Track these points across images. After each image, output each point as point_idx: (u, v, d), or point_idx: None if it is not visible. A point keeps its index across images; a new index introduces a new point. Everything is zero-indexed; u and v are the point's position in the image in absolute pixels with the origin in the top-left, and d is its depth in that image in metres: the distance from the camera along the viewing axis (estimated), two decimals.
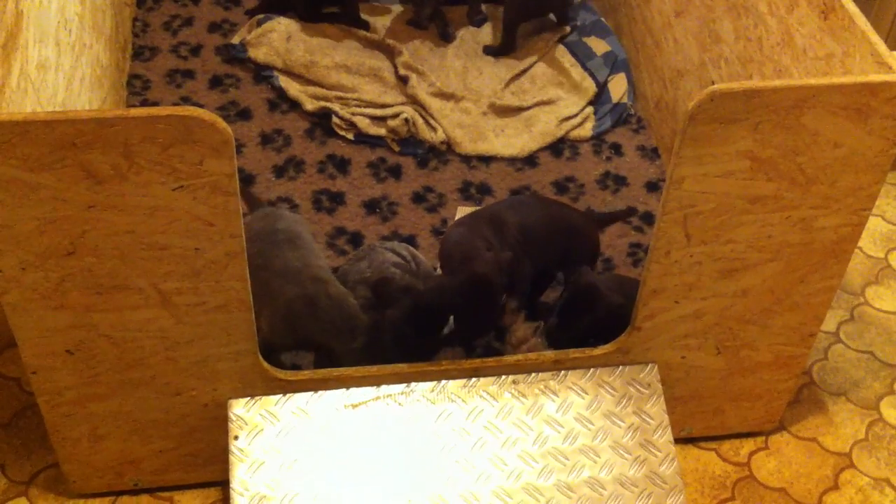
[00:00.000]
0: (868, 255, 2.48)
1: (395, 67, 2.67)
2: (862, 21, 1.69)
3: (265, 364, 1.77)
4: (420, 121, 2.55)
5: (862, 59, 1.67)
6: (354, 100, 2.60)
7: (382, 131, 2.55)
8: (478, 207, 2.36)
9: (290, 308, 1.88)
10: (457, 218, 2.35)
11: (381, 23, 2.82)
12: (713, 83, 2.25)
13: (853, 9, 1.72)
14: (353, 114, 2.56)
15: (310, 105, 2.60)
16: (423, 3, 2.78)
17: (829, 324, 2.32)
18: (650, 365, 1.88)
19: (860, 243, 2.47)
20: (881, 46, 1.64)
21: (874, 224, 2.54)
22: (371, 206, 2.41)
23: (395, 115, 2.55)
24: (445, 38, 2.79)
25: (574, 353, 1.86)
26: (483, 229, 1.95)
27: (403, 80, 2.63)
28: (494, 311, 1.86)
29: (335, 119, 2.57)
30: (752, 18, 2.06)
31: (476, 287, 1.81)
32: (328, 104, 2.59)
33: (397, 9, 2.87)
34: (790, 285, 1.82)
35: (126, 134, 1.41)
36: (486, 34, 2.81)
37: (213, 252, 1.58)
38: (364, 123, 2.55)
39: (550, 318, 1.92)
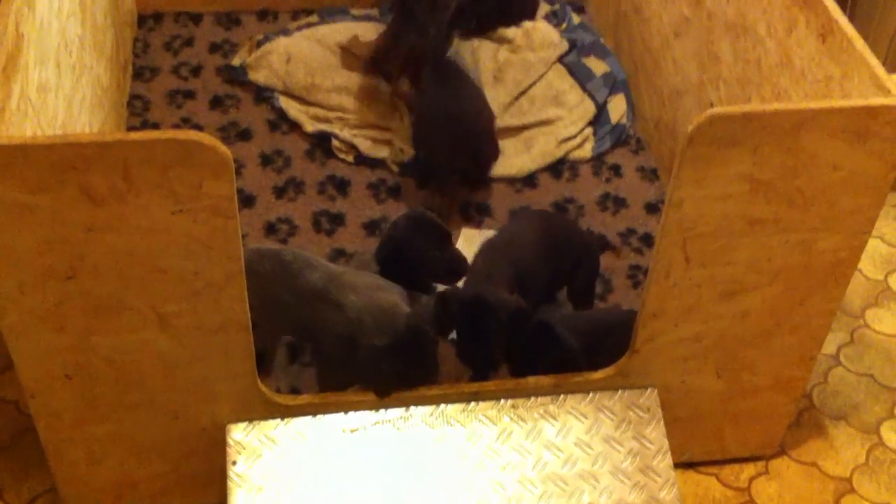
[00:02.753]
0: (868, 278, 2.48)
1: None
2: (860, 44, 1.69)
3: (263, 387, 1.77)
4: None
5: (861, 82, 1.68)
6: (355, 122, 2.61)
7: (384, 153, 2.55)
8: (481, 230, 2.37)
9: (323, 317, 1.89)
10: (461, 239, 2.35)
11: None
12: (712, 104, 2.25)
13: (851, 32, 1.72)
14: (353, 135, 2.57)
15: (310, 126, 2.60)
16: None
17: (829, 346, 2.31)
18: (650, 388, 1.88)
19: (860, 265, 2.47)
20: (880, 69, 1.64)
21: (874, 246, 2.54)
22: (371, 228, 2.41)
23: (389, 144, 2.56)
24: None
25: (573, 376, 1.86)
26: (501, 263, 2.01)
27: (393, 108, 2.64)
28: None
29: (335, 142, 2.57)
30: (751, 40, 2.06)
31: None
32: (328, 126, 2.59)
33: None
34: (790, 308, 1.81)
35: (126, 157, 1.42)
36: (488, 56, 2.81)
37: (212, 274, 1.58)
38: (365, 146, 2.55)
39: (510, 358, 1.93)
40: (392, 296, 1.91)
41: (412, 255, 2.00)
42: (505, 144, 2.61)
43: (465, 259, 2.03)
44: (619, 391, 1.88)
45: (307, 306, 1.90)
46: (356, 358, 1.83)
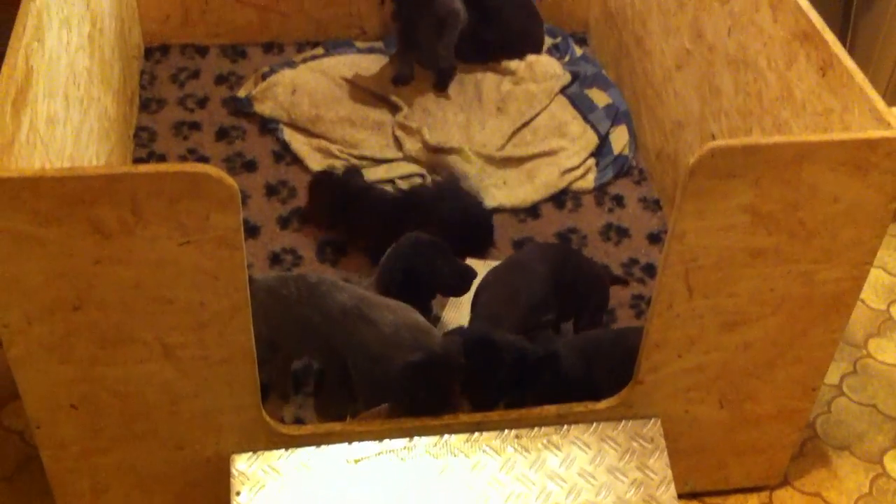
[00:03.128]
0: (870, 307, 2.49)
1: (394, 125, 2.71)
2: (860, 77, 1.71)
3: (268, 418, 1.77)
4: (429, 177, 2.59)
5: (861, 115, 1.69)
6: (358, 155, 2.63)
7: (388, 187, 2.57)
8: (485, 261, 2.38)
9: (358, 336, 1.92)
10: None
11: (386, 74, 2.85)
12: (713, 136, 2.27)
13: (851, 65, 1.74)
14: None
15: (315, 164, 2.62)
16: (405, 60, 2.81)
17: (832, 376, 2.32)
18: (653, 419, 1.88)
19: (862, 295, 2.48)
20: (879, 103, 1.66)
21: (876, 276, 2.55)
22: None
23: (406, 176, 2.58)
24: (440, 86, 2.82)
25: (577, 406, 1.86)
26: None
27: (396, 140, 2.67)
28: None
29: None
30: (752, 73, 2.08)
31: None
32: (333, 162, 2.61)
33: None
34: (792, 338, 1.82)
35: (134, 190, 1.43)
36: (491, 88, 2.83)
37: (218, 305, 1.59)
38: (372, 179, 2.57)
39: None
40: (420, 316, 1.96)
41: (421, 272, 2.07)
42: (508, 175, 2.63)
43: (471, 268, 2.11)
44: (623, 421, 1.88)
45: (338, 326, 1.92)
46: (391, 374, 1.85)
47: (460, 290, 2.12)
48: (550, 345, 1.94)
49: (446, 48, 2.77)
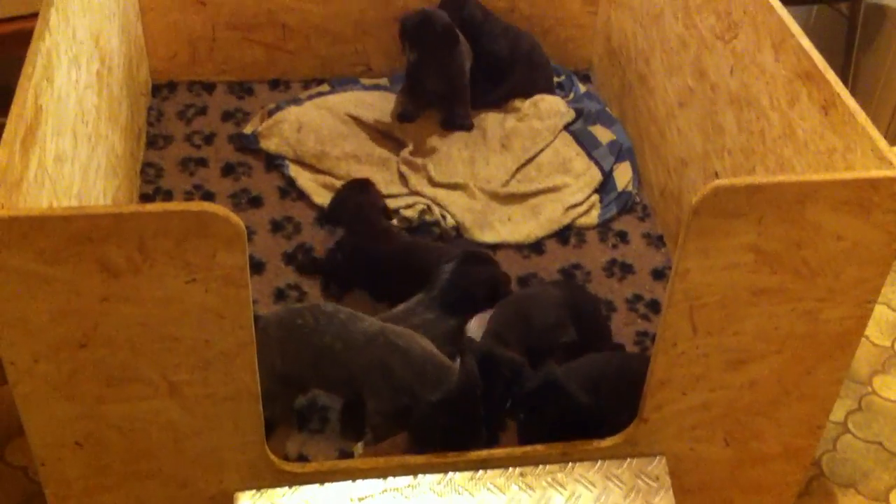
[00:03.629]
0: (875, 344, 2.49)
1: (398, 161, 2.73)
2: (862, 117, 1.72)
3: (272, 456, 1.77)
4: (436, 209, 2.59)
5: (863, 154, 1.70)
6: None
7: (393, 221, 2.58)
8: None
9: (384, 364, 1.92)
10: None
11: (392, 111, 2.88)
12: (717, 173, 2.28)
13: (853, 105, 1.75)
14: None
15: (318, 198, 2.63)
16: (411, 98, 2.84)
17: (837, 413, 2.31)
18: (658, 457, 1.88)
19: (866, 332, 2.48)
20: (882, 142, 1.67)
21: (880, 312, 2.55)
22: None
23: (409, 206, 2.59)
24: (445, 125, 2.84)
25: (581, 444, 1.86)
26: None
27: (402, 176, 2.68)
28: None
29: None
30: (755, 111, 2.10)
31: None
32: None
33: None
34: (797, 376, 1.82)
35: (141, 228, 1.44)
36: (495, 124, 2.85)
37: (224, 343, 1.60)
38: None
39: (518, 414, 1.94)
40: (434, 348, 1.97)
41: (497, 283, 2.23)
42: (512, 211, 2.64)
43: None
44: (628, 459, 1.87)
45: (362, 352, 1.92)
46: (418, 410, 1.85)
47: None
48: (550, 372, 1.93)
49: (464, 107, 2.83)
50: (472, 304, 2.15)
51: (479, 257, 2.28)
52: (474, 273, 2.19)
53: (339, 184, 2.65)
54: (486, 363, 1.89)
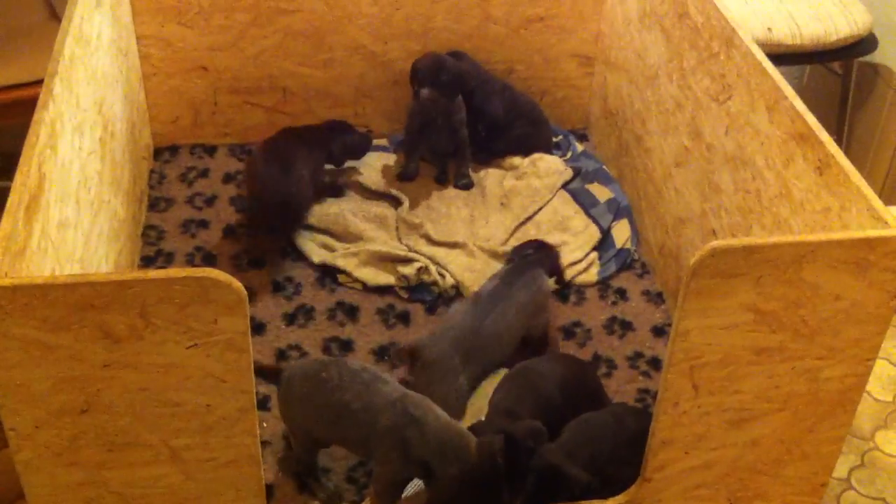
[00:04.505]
0: (876, 399, 2.48)
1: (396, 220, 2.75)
2: (857, 177, 1.74)
3: None
4: (433, 268, 2.60)
5: (858, 214, 1.72)
6: (361, 252, 2.65)
7: (391, 279, 2.59)
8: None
9: (399, 432, 1.89)
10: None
11: (391, 171, 2.90)
12: (714, 232, 2.30)
13: (847, 165, 1.77)
14: (356, 266, 2.60)
15: (316, 258, 2.65)
16: (410, 156, 2.87)
17: (840, 469, 2.30)
18: None
19: (868, 387, 2.48)
20: (877, 202, 1.69)
21: (881, 367, 2.55)
22: (380, 353, 2.43)
23: (408, 262, 2.60)
24: (440, 181, 2.87)
25: None
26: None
27: (399, 234, 2.70)
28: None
29: (341, 277, 2.61)
30: (750, 171, 2.12)
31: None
32: (334, 262, 2.62)
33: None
34: (799, 435, 1.82)
35: (144, 295, 1.45)
36: (494, 183, 2.88)
37: (225, 408, 1.60)
38: (370, 276, 2.59)
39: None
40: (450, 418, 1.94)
41: None
42: None
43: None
44: None
45: (379, 418, 1.90)
46: (436, 485, 1.83)
47: None
48: (547, 457, 1.92)
49: (466, 165, 2.88)
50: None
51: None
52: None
53: (336, 243, 2.67)
54: (508, 445, 1.87)
